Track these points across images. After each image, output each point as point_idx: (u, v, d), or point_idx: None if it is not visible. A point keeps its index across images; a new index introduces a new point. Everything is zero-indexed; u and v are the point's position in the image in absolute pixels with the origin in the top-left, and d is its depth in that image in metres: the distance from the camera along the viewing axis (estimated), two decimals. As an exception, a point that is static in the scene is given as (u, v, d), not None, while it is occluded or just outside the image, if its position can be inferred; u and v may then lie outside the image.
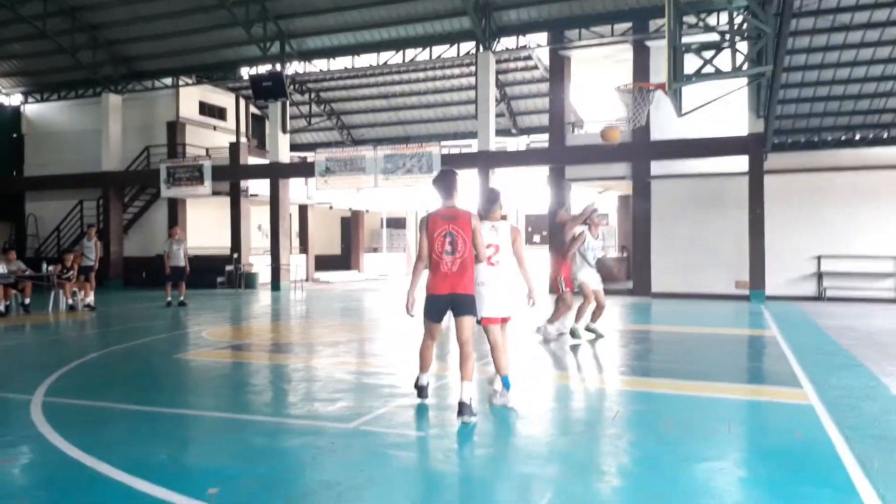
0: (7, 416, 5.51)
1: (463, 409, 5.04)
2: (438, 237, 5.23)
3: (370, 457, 4.35)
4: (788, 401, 5.78)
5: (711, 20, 14.66)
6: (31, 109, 24.66)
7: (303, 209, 25.47)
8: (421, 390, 5.70)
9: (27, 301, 13.31)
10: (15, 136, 24.66)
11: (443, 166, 18.03)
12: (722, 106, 12.12)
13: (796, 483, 3.90)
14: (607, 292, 9.85)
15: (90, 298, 14.03)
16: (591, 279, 9.16)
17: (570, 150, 17.70)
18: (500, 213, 5.69)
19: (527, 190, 23.90)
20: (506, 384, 5.54)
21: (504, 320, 5.69)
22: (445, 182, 5.31)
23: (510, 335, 6.11)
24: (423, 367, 5.63)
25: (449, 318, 5.42)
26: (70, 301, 13.88)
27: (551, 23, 17.37)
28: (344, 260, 29.80)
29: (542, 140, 23.06)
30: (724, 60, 10.88)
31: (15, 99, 24.42)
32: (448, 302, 5.29)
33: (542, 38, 18.05)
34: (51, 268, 14.46)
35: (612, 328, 10.64)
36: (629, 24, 16.63)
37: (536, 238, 29.81)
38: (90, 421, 5.32)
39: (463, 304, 5.27)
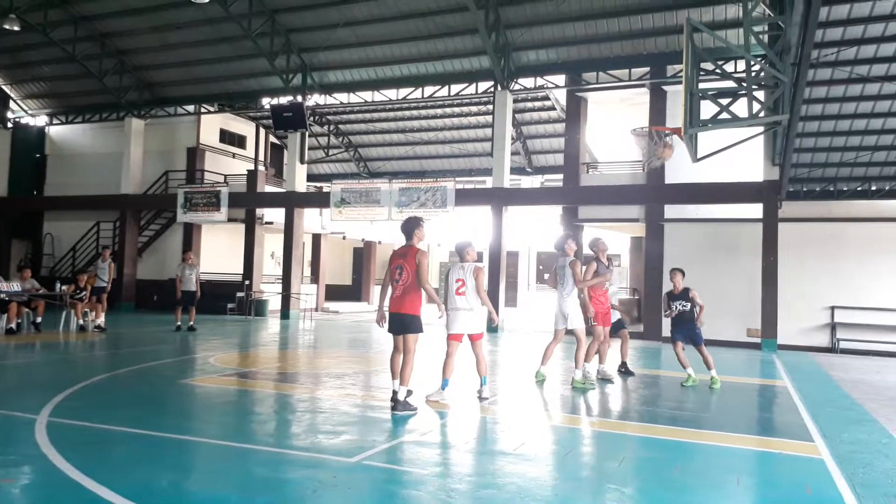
0: (11, 435, 5.51)
1: (398, 404, 6.59)
2: (392, 269, 6.83)
3: (372, 492, 4.31)
4: (799, 454, 5.67)
5: (729, 67, 14.79)
6: (56, 131, 25.14)
7: (316, 238, 25.61)
8: (393, 395, 6.70)
9: (39, 320, 13.40)
10: (38, 156, 25.10)
11: (456, 202, 18.17)
12: (737, 152, 12.17)
13: (805, 539, 3.82)
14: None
15: (101, 319, 14.10)
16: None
17: (584, 190, 17.76)
18: (472, 255, 7.50)
19: (539, 228, 23.95)
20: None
21: (472, 337, 7.47)
22: (405, 228, 6.94)
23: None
24: (393, 375, 6.77)
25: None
26: (81, 321, 13.96)
27: (569, 65, 17.58)
28: (354, 290, 29.81)
29: (556, 179, 23.18)
30: (740, 107, 10.94)
31: (40, 120, 24.92)
32: (397, 319, 6.70)
33: (559, 79, 18.25)
34: (64, 287, 14.58)
35: (620, 372, 10.53)
36: (647, 69, 16.79)
37: (547, 276, 29.73)
38: (93, 443, 5.31)
39: (404, 324, 6.67)
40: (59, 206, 23.96)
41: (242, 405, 7.30)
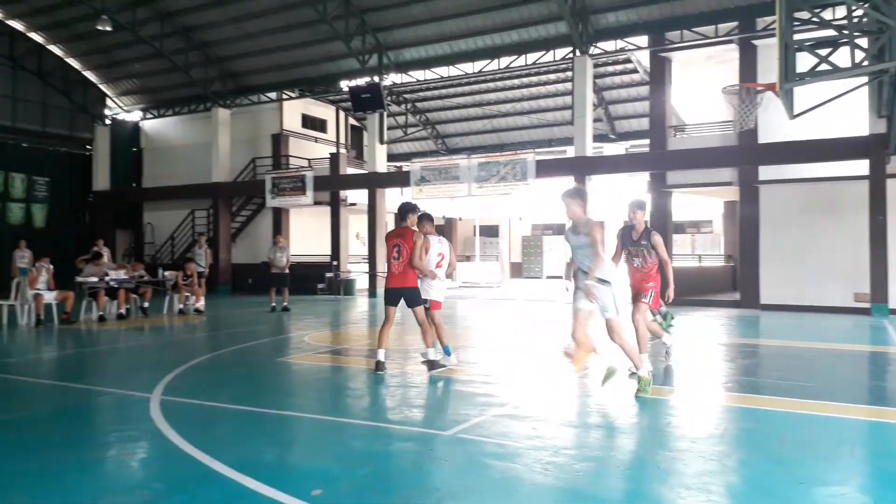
0: (129, 413, 5.88)
1: (433, 364, 7.39)
2: (390, 247, 7.46)
3: (469, 465, 4.33)
4: (919, 423, 5.32)
5: (827, 15, 13.79)
6: (149, 125, 26.41)
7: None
8: (378, 364, 7.37)
9: (146, 305, 14.21)
10: (135, 150, 26.48)
11: (537, 173, 17.88)
12: (838, 106, 11.37)
13: (933, 514, 3.58)
14: (712, 303, 9.26)
15: (201, 303, 14.80)
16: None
17: (672, 154, 17.11)
18: (413, 220, 7.61)
19: (626, 197, 23.30)
20: (446, 351, 7.66)
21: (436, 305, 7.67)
22: (402, 210, 7.79)
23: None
24: (381, 345, 7.42)
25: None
26: (182, 306, 14.71)
27: (651, 24, 16.89)
28: (438, 267, 30.02)
29: (642, 145, 22.45)
30: (841, 57, 10.20)
31: (135, 115, 26.23)
32: (398, 293, 7.41)
33: (641, 40, 17.58)
34: (167, 273, 15.44)
35: (716, 342, 10.18)
36: (734, 23, 15.92)
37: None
38: (203, 419, 5.60)
39: (411, 298, 7.40)
40: (157, 196, 25.23)
41: (337, 381, 7.51)
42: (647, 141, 18.78)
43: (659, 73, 17.63)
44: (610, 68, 22.14)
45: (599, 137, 23.14)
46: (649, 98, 18.26)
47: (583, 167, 17.50)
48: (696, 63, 18.28)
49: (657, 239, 7.23)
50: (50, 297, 12.64)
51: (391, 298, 7.50)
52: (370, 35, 19.77)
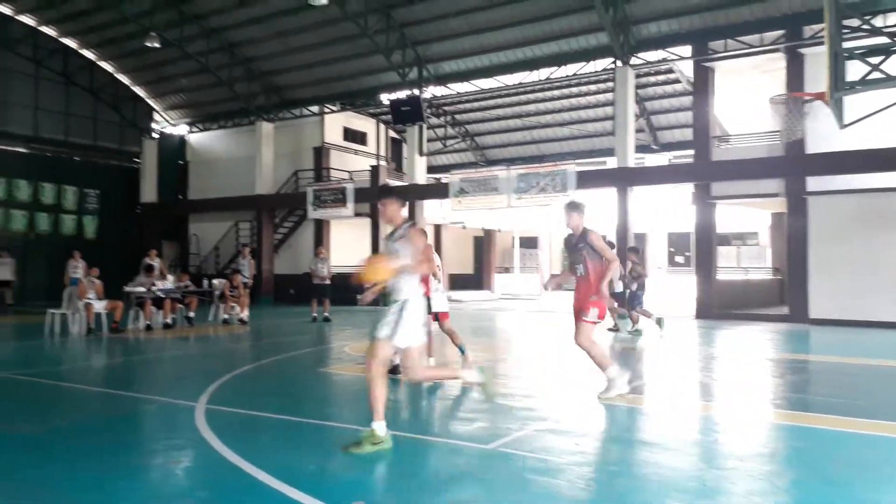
0: (175, 421, 5.98)
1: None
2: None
3: (510, 480, 4.29)
4: (983, 445, 5.08)
5: (878, 22, 13.43)
6: (195, 138, 27.05)
7: (437, 229, 26.00)
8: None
9: (191, 314, 14.49)
10: (181, 162, 27.16)
11: (577, 185, 17.74)
12: (891, 114, 11.04)
13: None
14: (759, 318, 9.07)
15: (245, 313, 15.03)
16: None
17: (717, 165, 16.81)
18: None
19: (669, 209, 22.97)
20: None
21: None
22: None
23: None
24: None
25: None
26: (226, 315, 14.96)
27: (694, 34, 16.68)
28: (476, 279, 30.00)
29: (685, 156, 22.11)
30: (894, 65, 9.90)
31: (181, 129, 26.91)
32: None
33: (684, 50, 17.36)
34: (215, 282, 15.75)
35: (764, 357, 9.92)
36: (781, 32, 15.62)
37: (679, 259, 28.50)
38: (247, 428, 5.66)
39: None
40: (202, 208, 25.79)
41: (378, 393, 7.51)
42: (690, 152, 18.49)
43: (702, 83, 17.36)
44: (652, 78, 21.92)
45: (641, 148, 22.86)
46: (692, 108, 18.01)
47: (624, 178, 17.31)
48: (741, 72, 17.96)
49: (594, 237, 6.53)
50: (100, 306, 12.98)
51: None
52: (410, 49, 19.95)
